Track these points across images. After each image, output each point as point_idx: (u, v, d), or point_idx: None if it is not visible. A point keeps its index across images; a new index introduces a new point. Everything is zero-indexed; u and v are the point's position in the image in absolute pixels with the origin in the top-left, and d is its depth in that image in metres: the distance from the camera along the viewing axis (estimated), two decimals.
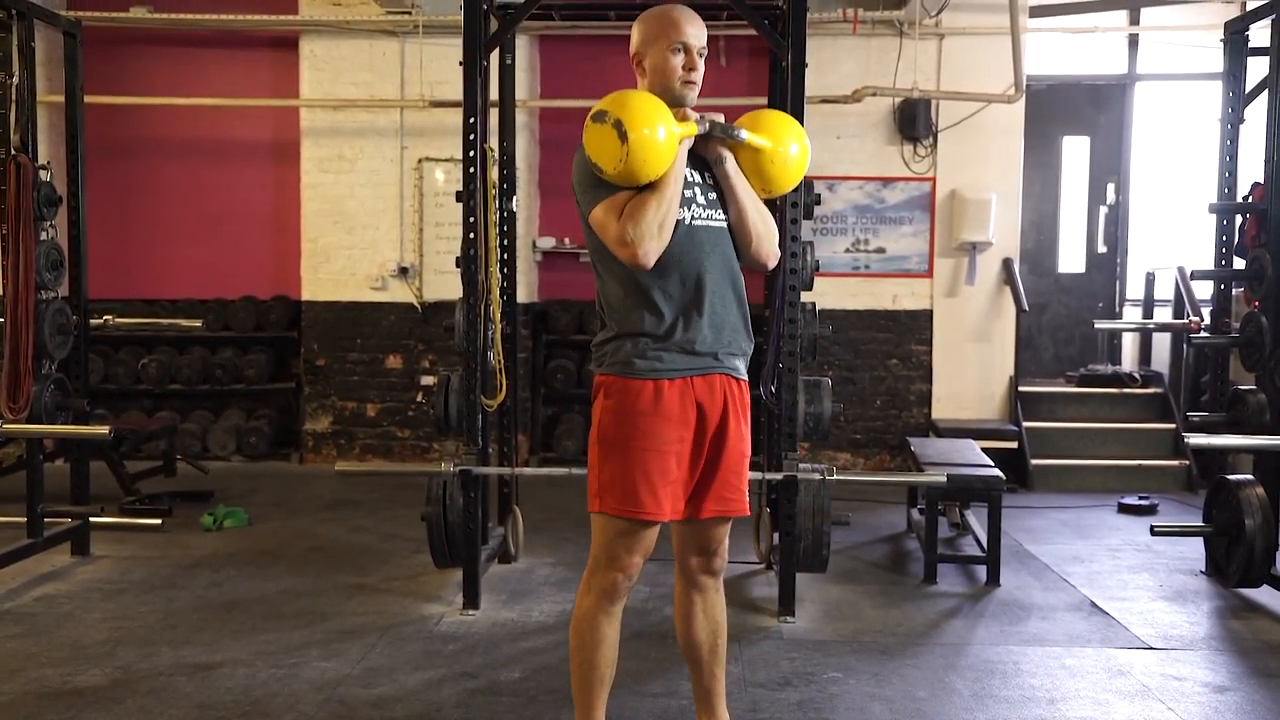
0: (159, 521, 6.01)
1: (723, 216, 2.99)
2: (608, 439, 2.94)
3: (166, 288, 8.58)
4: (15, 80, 5.21)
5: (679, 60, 2.93)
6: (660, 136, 2.76)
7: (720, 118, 2.94)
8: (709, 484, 2.98)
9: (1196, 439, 4.88)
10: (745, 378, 3.06)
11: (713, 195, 2.98)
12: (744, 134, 2.93)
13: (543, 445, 8.26)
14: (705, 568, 3.08)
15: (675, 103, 2.90)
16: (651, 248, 2.80)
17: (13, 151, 5.15)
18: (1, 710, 3.62)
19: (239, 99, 8.39)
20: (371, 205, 8.31)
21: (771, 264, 3.11)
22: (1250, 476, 5.14)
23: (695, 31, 2.95)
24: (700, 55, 2.96)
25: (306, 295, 8.42)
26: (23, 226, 5.04)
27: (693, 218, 2.92)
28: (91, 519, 5.60)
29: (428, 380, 8.24)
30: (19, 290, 5.01)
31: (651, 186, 2.81)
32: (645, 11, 3.02)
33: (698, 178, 2.96)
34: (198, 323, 7.26)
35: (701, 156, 2.96)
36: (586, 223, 2.94)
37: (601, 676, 2.97)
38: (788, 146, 2.99)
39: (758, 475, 5.00)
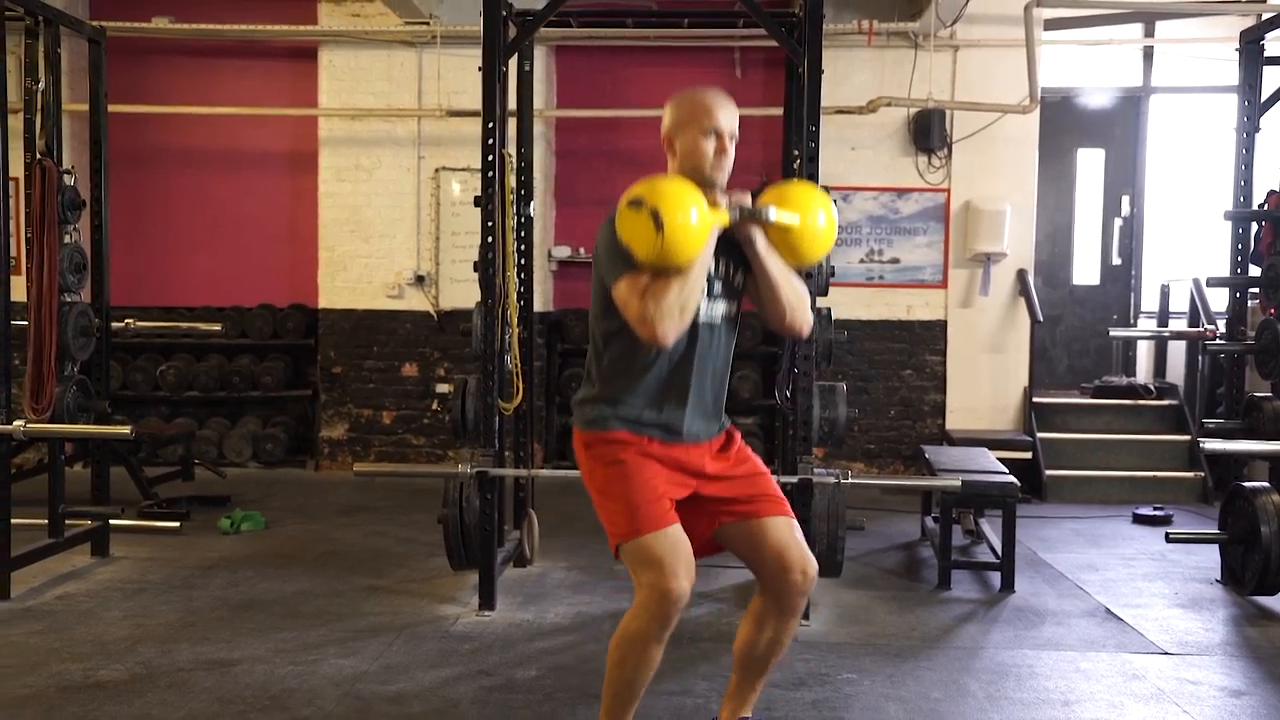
0: (177, 524, 6.10)
1: (721, 310, 3.04)
2: (599, 485, 3.00)
3: (184, 295, 8.65)
4: (41, 86, 5.30)
5: (710, 145, 2.96)
6: (694, 225, 2.80)
7: (747, 198, 2.98)
8: (728, 503, 3.03)
9: (1212, 444, 4.91)
10: (723, 428, 3.12)
11: (719, 287, 3.03)
12: (773, 214, 2.95)
13: (557, 454, 8.30)
14: (799, 586, 3.00)
15: (705, 185, 2.93)
16: (671, 327, 2.83)
17: (38, 156, 5.24)
18: (25, 701, 3.67)
19: (258, 108, 8.49)
20: (388, 214, 8.39)
21: (805, 332, 3.18)
22: (1266, 484, 5.15)
23: (727, 117, 2.99)
24: (731, 139, 3.00)
25: (323, 303, 8.49)
26: (47, 230, 5.13)
27: (697, 309, 2.95)
28: (111, 521, 5.67)
29: (443, 388, 8.30)
30: (43, 292, 5.08)
31: (678, 269, 2.85)
32: (678, 94, 3.06)
33: (712, 268, 2.99)
34: (217, 327, 7.32)
35: (721, 240, 2.96)
36: (598, 290, 3.00)
37: (638, 694, 2.97)
38: (815, 218, 3.01)
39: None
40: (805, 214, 3.00)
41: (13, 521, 4.89)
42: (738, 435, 3.16)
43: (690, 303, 2.86)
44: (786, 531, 3.04)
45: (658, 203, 2.77)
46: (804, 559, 3.02)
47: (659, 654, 2.93)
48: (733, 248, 3.01)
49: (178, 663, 4.06)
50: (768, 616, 3.06)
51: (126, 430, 5.20)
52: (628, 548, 2.91)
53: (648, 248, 2.79)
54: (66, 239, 5.30)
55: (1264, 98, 5.42)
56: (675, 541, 2.90)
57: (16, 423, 4.87)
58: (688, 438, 3.02)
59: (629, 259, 2.85)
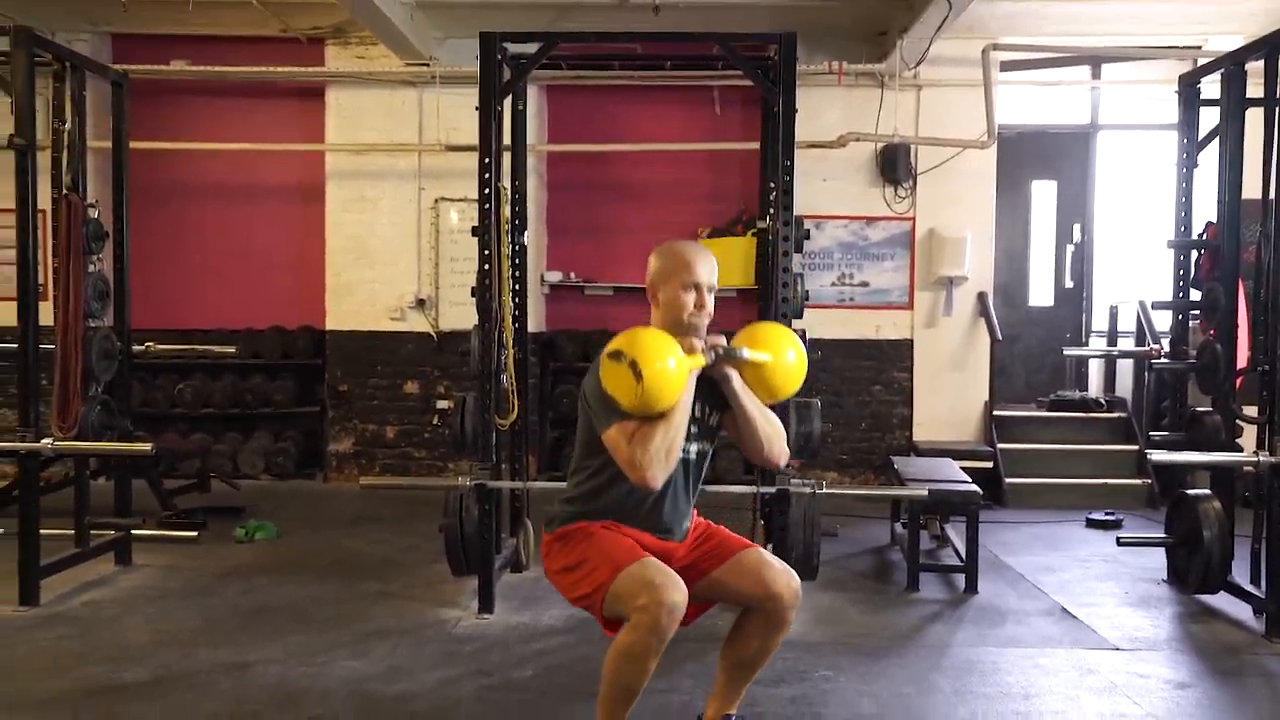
0: (195, 534, 6.03)
1: (695, 446, 3.08)
2: (571, 562, 3.03)
3: (201, 319, 8.63)
4: (68, 126, 5.30)
5: (690, 298, 3.02)
6: (672, 372, 2.83)
7: (722, 340, 3.01)
8: (698, 563, 3.06)
9: (1158, 455, 4.95)
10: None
11: (695, 429, 3.06)
12: (746, 353, 2.98)
13: (550, 465, 8.29)
14: (788, 601, 3.02)
15: (686, 332, 2.98)
16: (658, 472, 2.86)
17: (64, 191, 5.23)
18: (53, 703, 3.66)
19: (269, 144, 8.48)
20: (391, 242, 8.40)
21: (783, 462, 3.19)
22: (1208, 491, 5.20)
23: (706, 271, 3.04)
24: (710, 292, 3.04)
25: (330, 325, 8.49)
26: (73, 260, 5.11)
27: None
28: (133, 531, 5.63)
29: (443, 404, 8.31)
30: (69, 318, 5.06)
31: (660, 414, 2.87)
32: (661, 246, 3.11)
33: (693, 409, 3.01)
34: (231, 349, 7.31)
35: (700, 380, 2.99)
36: (585, 425, 3.05)
37: (633, 699, 2.96)
38: (785, 356, 3.05)
39: (751, 489, 5.07)
40: (776, 352, 3.03)
41: (42, 532, 4.87)
42: (701, 522, 3.19)
43: (675, 445, 2.89)
44: (758, 558, 3.08)
45: (636, 354, 2.80)
46: (785, 574, 3.05)
47: (655, 665, 2.90)
48: (708, 388, 3.04)
49: (196, 665, 4.06)
50: (757, 627, 3.07)
51: (147, 447, 5.19)
52: (614, 589, 2.87)
53: (629, 396, 2.82)
54: (91, 268, 5.27)
55: (1201, 136, 5.48)
56: (659, 565, 2.89)
57: (45, 440, 4.88)
58: (657, 538, 3.07)
59: (616, 406, 2.87)
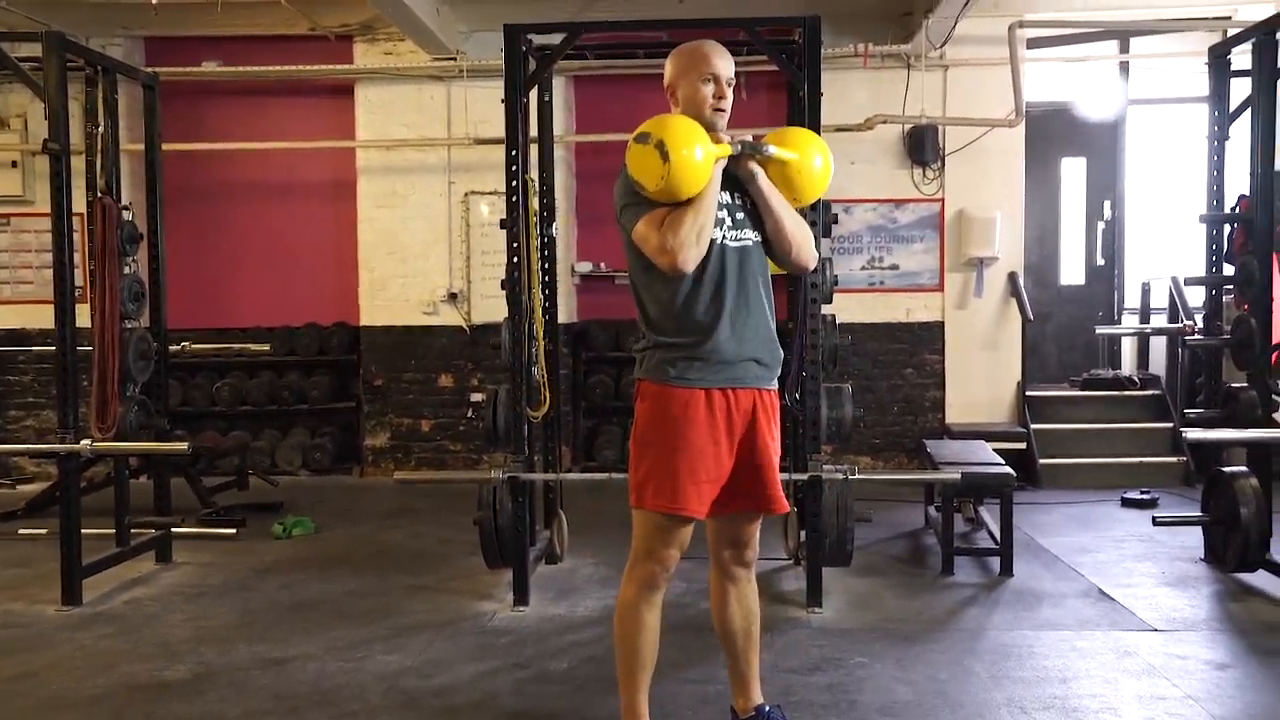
0: (234, 531, 6.10)
1: (749, 236, 3.00)
2: (645, 438, 2.97)
3: (237, 317, 8.66)
4: (101, 130, 5.32)
5: (709, 90, 2.96)
6: (698, 156, 2.79)
7: (749, 137, 2.97)
8: (742, 483, 2.99)
9: (1194, 433, 4.85)
10: (774, 387, 3.07)
11: (741, 216, 3.00)
12: (772, 149, 2.95)
13: (584, 455, 8.28)
14: (738, 560, 3.11)
15: (707, 128, 2.92)
16: (690, 254, 2.81)
17: (99, 194, 5.25)
18: (97, 701, 3.67)
19: (300, 142, 8.49)
20: (422, 237, 8.39)
21: (811, 265, 3.15)
22: (1244, 469, 5.08)
23: (724, 64, 2.98)
24: (729, 85, 2.99)
25: (365, 321, 8.50)
26: (108, 262, 5.13)
27: (722, 238, 2.93)
28: (173, 529, 5.67)
29: (477, 397, 8.30)
30: (105, 320, 5.08)
31: (689, 201, 2.83)
32: (678, 47, 3.05)
33: (727, 199, 2.97)
34: (267, 346, 7.33)
35: (732, 178, 2.96)
36: (628, 242, 2.97)
37: (644, 661, 2.98)
38: (811, 158, 3.01)
39: (785, 476, 5.00)
40: (803, 154, 3.00)
41: (83, 532, 4.89)
42: (777, 412, 3.09)
43: (705, 230, 2.84)
44: (756, 528, 3.11)
45: (663, 135, 2.78)
46: (753, 548, 3.12)
47: (654, 619, 2.98)
48: (736, 187, 3.00)
49: (236, 662, 4.06)
50: (719, 588, 3.14)
51: (183, 446, 5.21)
52: (645, 513, 2.93)
53: (655, 178, 2.78)
54: (126, 270, 5.29)
55: (1232, 108, 5.35)
56: (685, 532, 2.95)
57: (84, 441, 4.90)
58: (744, 374, 2.96)
59: (643, 200, 2.85)
